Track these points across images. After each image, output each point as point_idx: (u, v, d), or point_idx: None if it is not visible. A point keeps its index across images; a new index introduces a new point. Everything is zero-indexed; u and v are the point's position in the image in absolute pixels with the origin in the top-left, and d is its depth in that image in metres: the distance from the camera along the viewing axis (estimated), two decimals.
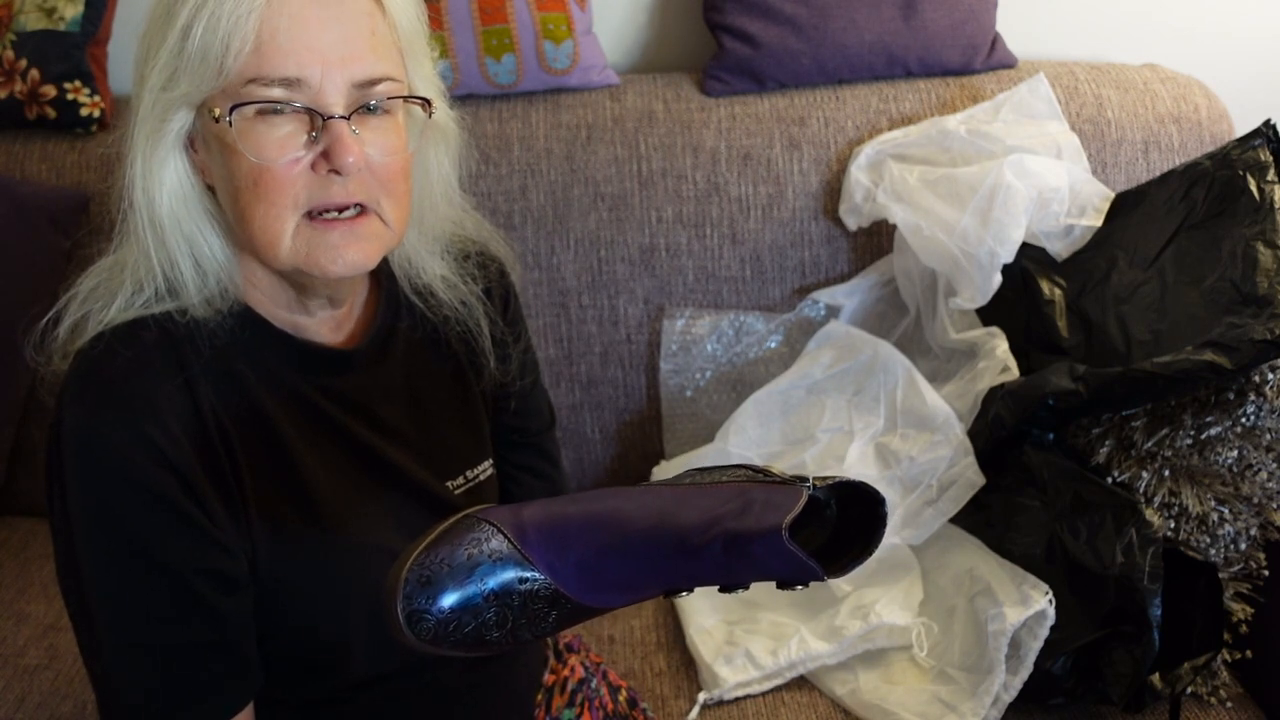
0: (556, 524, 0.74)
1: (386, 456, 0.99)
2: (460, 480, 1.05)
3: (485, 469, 1.08)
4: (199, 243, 0.91)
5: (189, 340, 0.91)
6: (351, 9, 0.86)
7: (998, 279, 1.46)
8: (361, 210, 0.89)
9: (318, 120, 0.86)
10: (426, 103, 0.93)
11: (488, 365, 1.08)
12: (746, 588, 0.73)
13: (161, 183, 0.88)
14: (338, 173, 0.86)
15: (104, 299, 0.92)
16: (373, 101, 0.88)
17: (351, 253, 0.88)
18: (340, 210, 0.88)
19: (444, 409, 1.06)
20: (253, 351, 0.94)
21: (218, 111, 0.85)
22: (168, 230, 0.89)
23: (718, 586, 0.74)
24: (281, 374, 0.95)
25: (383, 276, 1.04)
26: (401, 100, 0.90)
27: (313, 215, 0.88)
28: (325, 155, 0.86)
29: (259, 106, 0.85)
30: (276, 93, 0.84)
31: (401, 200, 0.92)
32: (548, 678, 1.21)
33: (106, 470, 0.86)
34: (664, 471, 1.58)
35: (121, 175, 0.90)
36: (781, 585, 0.73)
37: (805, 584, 0.72)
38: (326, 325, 0.99)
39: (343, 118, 0.85)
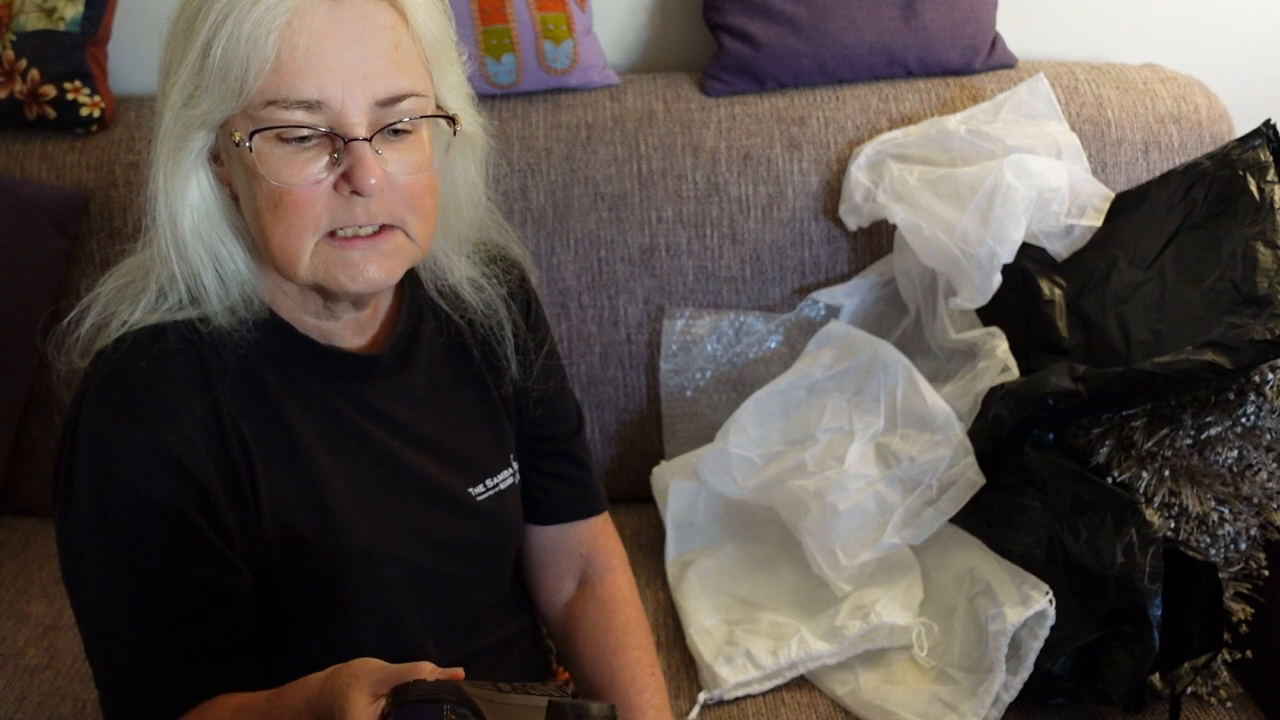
0: None
1: (407, 462, 0.99)
2: (481, 488, 1.05)
3: (505, 478, 1.08)
4: (222, 256, 0.90)
5: (211, 348, 0.91)
6: (374, 23, 0.85)
7: (998, 279, 1.46)
8: (385, 227, 0.88)
9: (339, 142, 0.85)
10: (452, 119, 0.92)
11: (508, 369, 1.08)
12: None
13: (184, 199, 0.88)
14: (359, 194, 0.85)
15: (129, 301, 0.92)
16: (396, 124, 0.86)
17: (372, 269, 0.88)
18: (361, 228, 0.87)
19: (465, 415, 1.06)
20: (276, 357, 0.94)
21: (238, 135, 0.84)
22: (190, 245, 0.89)
23: None
24: (304, 379, 0.95)
25: (406, 280, 1.03)
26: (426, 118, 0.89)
27: (334, 234, 0.87)
28: (346, 177, 0.85)
29: (280, 130, 0.84)
30: (298, 115, 0.83)
31: (428, 216, 0.91)
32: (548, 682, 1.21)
33: (117, 476, 0.86)
34: (664, 471, 1.58)
35: (145, 183, 0.89)
36: None
37: None
38: (351, 329, 0.98)
39: (364, 140, 0.84)
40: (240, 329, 0.91)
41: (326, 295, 0.94)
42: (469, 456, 1.05)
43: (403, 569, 0.98)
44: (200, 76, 0.84)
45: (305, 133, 0.84)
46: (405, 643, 0.97)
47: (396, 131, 0.87)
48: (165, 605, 0.88)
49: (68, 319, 0.92)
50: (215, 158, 0.89)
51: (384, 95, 0.85)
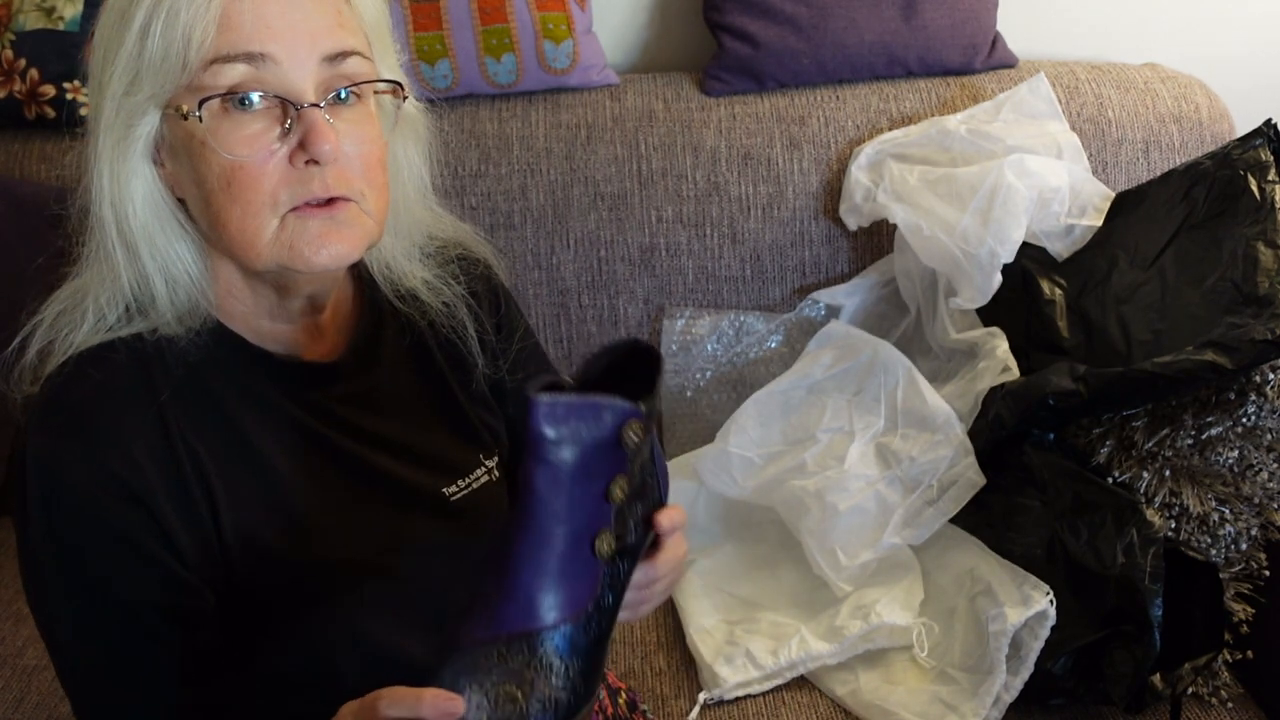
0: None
1: (376, 468, 0.97)
2: (454, 488, 1.03)
3: (480, 477, 1.05)
4: (171, 256, 0.87)
5: (159, 360, 0.88)
6: None
7: (998, 279, 1.46)
8: (340, 198, 0.86)
9: (290, 110, 0.83)
10: (398, 87, 0.90)
11: (476, 367, 1.06)
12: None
13: (132, 194, 0.85)
14: (316, 162, 0.83)
15: (70, 324, 0.88)
16: (344, 89, 0.85)
17: (334, 242, 0.85)
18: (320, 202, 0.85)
19: (433, 416, 1.04)
20: (228, 370, 0.91)
21: (185, 108, 0.82)
22: (140, 243, 0.86)
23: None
24: (260, 391, 0.92)
25: (364, 284, 1.01)
26: (372, 89, 0.88)
27: (296, 209, 0.85)
28: (301, 145, 0.83)
29: (228, 98, 0.82)
30: (241, 70, 0.81)
31: (381, 190, 0.90)
32: None
33: (66, 504, 0.84)
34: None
35: (85, 191, 0.86)
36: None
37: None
38: (307, 334, 0.95)
39: (316, 105, 0.83)
40: (188, 337, 0.88)
41: (281, 289, 0.91)
42: (439, 457, 1.02)
43: (380, 576, 0.96)
44: (140, 60, 0.82)
45: (254, 96, 0.82)
46: (385, 653, 0.95)
47: (344, 100, 0.85)
48: (125, 631, 0.87)
49: (10, 349, 0.89)
50: (157, 159, 0.87)
51: (331, 50, 0.84)
